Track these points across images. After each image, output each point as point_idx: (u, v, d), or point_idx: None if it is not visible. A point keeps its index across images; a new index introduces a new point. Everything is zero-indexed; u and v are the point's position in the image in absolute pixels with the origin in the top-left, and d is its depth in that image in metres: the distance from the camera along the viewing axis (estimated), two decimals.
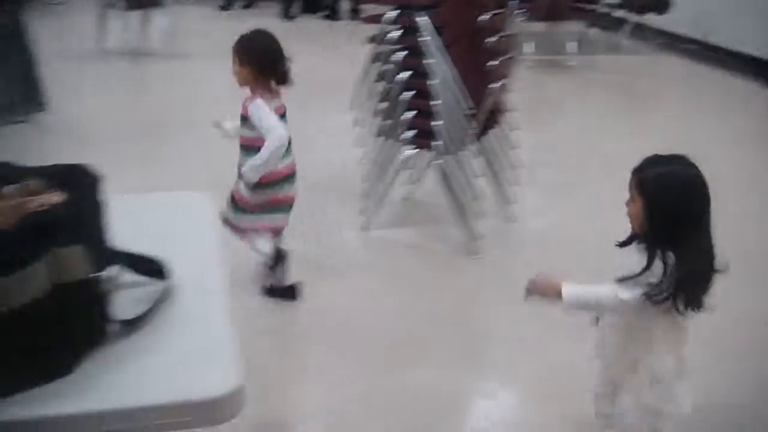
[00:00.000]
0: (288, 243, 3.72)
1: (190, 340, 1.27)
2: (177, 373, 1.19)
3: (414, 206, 4.34)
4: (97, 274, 1.19)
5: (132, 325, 1.27)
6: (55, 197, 1.20)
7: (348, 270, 3.69)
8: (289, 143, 3.12)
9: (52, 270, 1.11)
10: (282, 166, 3.12)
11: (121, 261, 1.33)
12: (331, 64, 8.35)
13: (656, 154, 2.13)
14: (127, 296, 1.33)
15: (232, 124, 3.26)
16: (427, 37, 3.45)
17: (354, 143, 3.91)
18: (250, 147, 3.10)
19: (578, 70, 8.26)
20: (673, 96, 7.45)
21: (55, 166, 1.31)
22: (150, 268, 1.39)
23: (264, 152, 2.98)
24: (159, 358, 1.22)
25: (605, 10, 10.26)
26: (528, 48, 8.41)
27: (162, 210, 1.74)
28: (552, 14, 8.43)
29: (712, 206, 1.99)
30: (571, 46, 8.63)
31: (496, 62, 3.52)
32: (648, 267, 2.01)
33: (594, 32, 9.99)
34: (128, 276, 1.38)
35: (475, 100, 3.54)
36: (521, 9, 8.44)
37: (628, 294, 2.07)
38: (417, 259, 3.80)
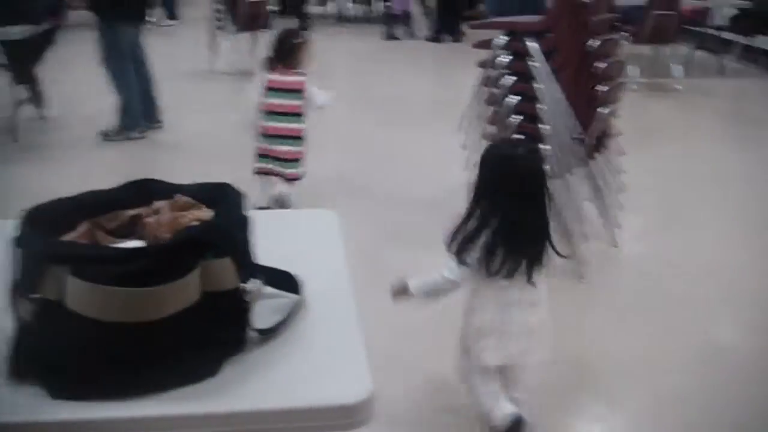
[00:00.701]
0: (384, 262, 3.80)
1: (322, 349, 1.34)
2: (311, 379, 1.25)
3: None
4: (241, 285, 1.28)
5: (269, 333, 1.34)
6: (205, 213, 1.30)
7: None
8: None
9: (203, 280, 1.20)
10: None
11: (260, 274, 1.41)
12: (438, 86, 8.47)
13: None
14: (264, 307, 1.41)
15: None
16: (536, 62, 3.50)
17: (462, 166, 3.96)
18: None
19: (684, 93, 8.14)
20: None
21: (201, 184, 1.40)
22: (284, 281, 1.47)
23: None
24: (294, 365, 1.29)
25: (712, 32, 10.09)
26: (633, 71, 8.32)
27: (294, 226, 1.83)
28: (657, 37, 8.34)
29: None
30: (677, 69, 8.52)
31: (604, 87, 3.53)
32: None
33: (701, 55, 9.83)
34: (265, 288, 1.47)
35: (583, 124, 3.56)
36: (626, 31, 8.40)
37: (448, 272, 2.46)
38: None
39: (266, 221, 1.79)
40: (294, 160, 4.28)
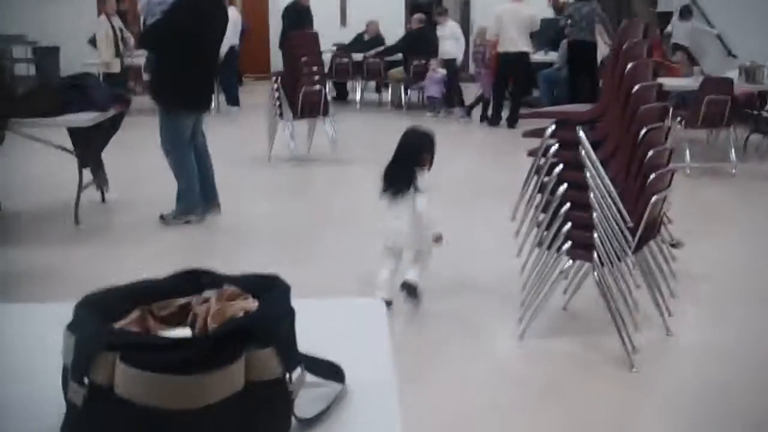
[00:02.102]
0: (441, 349, 3.80)
1: None
2: None
3: (571, 316, 4.35)
4: (285, 375, 1.31)
5: (311, 423, 1.37)
6: (252, 304, 1.34)
7: (502, 378, 3.72)
8: None
9: (247, 369, 1.23)
10: None
11: (304, 363, 1.44)
12: (492, 169, 8.54)
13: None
14: (307, 395, 1.44)
15: None
16: (585, 151, 3.53)
17: (515, 252, 3.98)
18: None
19: (739, 178, 8.08)
20: None
21: (250, 275, 1.45)
22: (328, 370, 1.50)
23: None
24: None
25: (767, 115, 10.04)
26: (687, 155, 8.30)
27: (339, 314, 1.86)
28: (711, 120, 8.33)
29: None
30: (732, 153, 8.46)
31: (655, 175, 3.55)
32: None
33: (756, 138, 9.77)
34: (309, 377, 1.49)
35: (634, 212, 3.57)
36: (680, 116, 8.42)
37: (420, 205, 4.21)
38: (572, 370, 3.78)
39: (313, 309, 1.83)
40: None
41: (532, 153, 3.77)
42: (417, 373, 3.69)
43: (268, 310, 1.31)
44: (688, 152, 8.32)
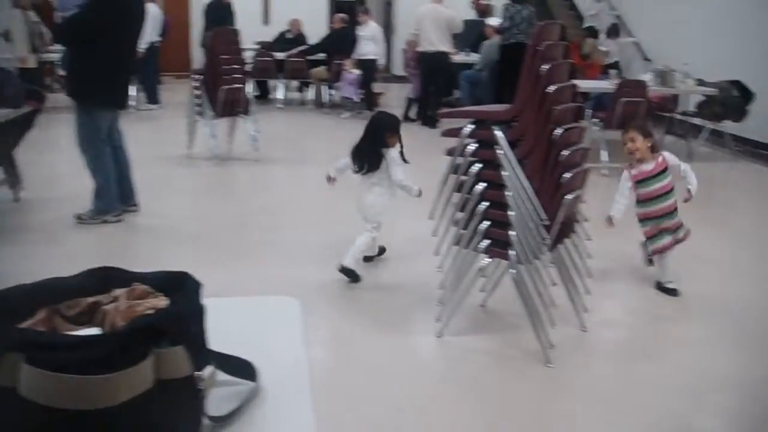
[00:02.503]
0: (361, 347, 3.83)
1: None
2: None
3: (489, 314, 4.41)
4: (196, 373, 1.30)
5: (223, 421, 1.36)
6: (161, 301, 1.32)
7: (419, 374, 3.75)
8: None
9: (157, 368, 1.22)
10: None
11: (215, 361, 1.43)
12: (411, 169, 8.58)
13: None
14: (220, 394, 1.43)
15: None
16: (503, 150, 3.58)
17: (432, 251, 4.02)
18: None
19: None
20: (753, 204, 7.41)
21: (160, 272, 1.43)
22: (240, 368, 1.49)
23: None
24: None
25: (681, 117, 10.34)
26: (605, 156, 8.48)
27: (251, 313, 1.85)
28: (627, 122, 8.49)
29: None
30: None
31: (570, 174, 3.62)
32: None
33: (670, 140, 10.05)
34: (220, 375, 1.48)
35: (550, 210, 3.63)
36: (596, 118, 8.60)
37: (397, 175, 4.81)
38: (490, 366, 3.83)
39: (227, 308, 1.82)
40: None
41: (450, 152, 3.81)
42: (334, 371, 3.70)
43: (177, 308, 1.30)
44: (605, 153, 8.50)
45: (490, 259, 3.84)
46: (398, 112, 12.53)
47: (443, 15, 11.37)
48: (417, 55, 11.61)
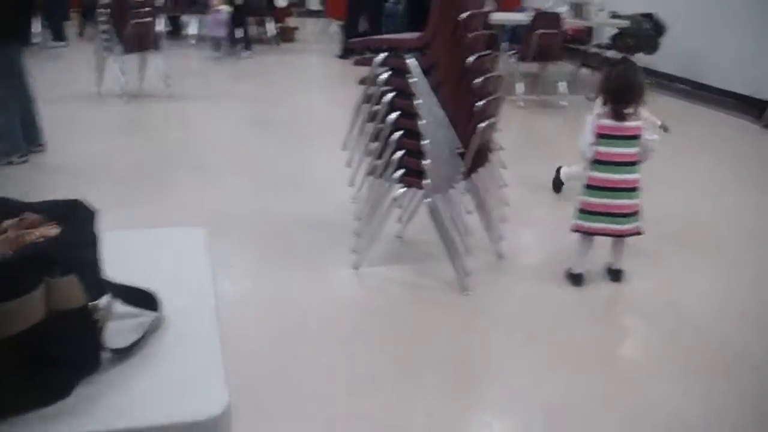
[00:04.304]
0: (278, 282, 3.81)
1: (179, 367, 1.32)
2: (167, 397, 1.23)
3: (406, 244, 4.41)
4: (91, 303, 1.25)
5: (124, 353, 1.31)
6: (52, 230, 1.27)
7: (337, 307, 3.74)
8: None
9: (47, 298, 1.17)
10: None
11: (114, 292, 1.39)
12: (326, 102, 8.51)
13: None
14: (120, 326, 1.38)
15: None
16: (416, 78, 3.54)
17: (346, 183, 3.98)
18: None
19: (569, 109, 8.38)
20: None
21: (52, 201, 1.37)
22: (141, 299, 1.44)
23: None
24: (149, 384, 1.26)
25: (595, 50, 10.44)
26: (520, 88, 8.52)
27: (156, 245, 1.80)
28: (542, 55, 8.57)
29: None
30: (562, 87, 8.76)
31: (483, 102, 3.60)
32: None
33: (584, 72, 10.15)
34: (121, 307, 1.44)
35: (464, 139, 3.62)
36: (512, 50, 8.62)
37: None
38: (408, 296, 3.85)
39: (129, 240, 1.77)
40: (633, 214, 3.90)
41: (362, 81, 3.75)
42: (247, 305, 3.66)
43: (68, 236, 1.24)
44: (521, 85, 8.55)
45: (405, 189, 3.83)
46: (315, 47, 12.43)
47: None
48: None
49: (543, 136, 7.60)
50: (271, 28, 12.62)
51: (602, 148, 3.81)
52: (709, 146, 7.29)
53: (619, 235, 3.94)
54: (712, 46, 9.46)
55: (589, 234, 3.96)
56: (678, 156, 6.20)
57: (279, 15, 12.93)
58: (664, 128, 4.63)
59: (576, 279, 4.01)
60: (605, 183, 3.83)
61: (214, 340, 1.41)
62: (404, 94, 3.60)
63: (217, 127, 7.24)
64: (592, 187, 3.87)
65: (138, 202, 4.93)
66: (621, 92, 3.79)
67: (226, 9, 11.09)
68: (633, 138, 3.80)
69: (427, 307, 3.74)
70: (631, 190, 3.84)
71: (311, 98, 9.10)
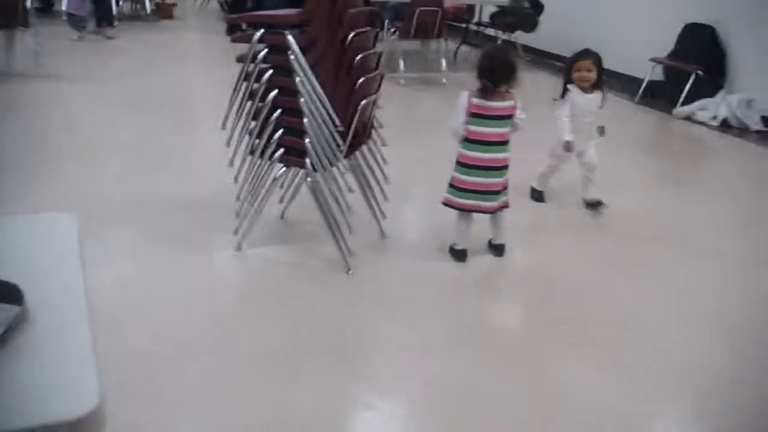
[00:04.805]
0: (158, 266, 3.71)
1: (45, 363, 1.25)
2: (34, 396, 1.17)
3: (289, 224, 4.36)
4: None
5: None
6: None
7: (220, 290, 3.66)
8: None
9: None
10: None
11: None
12: (206, 81, 8.33)
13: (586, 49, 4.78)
14: None
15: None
16: (294, 55, 3.48)
17: (226, 163, 3.90)
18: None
19: (450, 86, 8.46)
20: (543, 106, 7.69)
21: None
22: (4, 292, 1.36)
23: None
24: (15, 383, 1.20)
25: (475, 28, 10.58)
26: (401, 66, 8.55)
27: (20, 232, 1.71)
28: (423, 32, 8.61)
29: None
30: (443, 64, 8.82)
31: (363, 80, 3.57)
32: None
33: (465, 50, 10.28)
34: None
35: (344, 117, 3.59)
36: (393, 27, 8.63)
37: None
38: (290, 277, 3.80)
39: None
40: (502, 191, 4.00)
41: (240, 59, 3.67)
42: (124, 293, 3.55)
43: None
44: (402, 62, 8.57)
45: (286, 168, 3.77)
46: (195, 23, 12.16)
47: None
48: None
49: (424, 113, 7.65)
50: (147, 4, 12.27)
51: (473, 127, 3.84)
52: None
53: (488, 212, 4.01)
54: (589, 25, 9.71)
55: (458, 209, 4.00)
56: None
57: None
58: (601, 132, 4.83)
59: (458, 254, 4.04)
60: (476, 161, 3.87)
61: (83, 334, 1.34)
62: (284, 71, 3.54)
63: (91, 107, 6.99)
64: (462, 165, 3.91)
65: (2, 188, 4.71)
66: (493, 72, 3.82)
67: None
68: (505, 118, 3.85)
69: (311, 287, 3.70)
70: (501, 168, 3.91)
71: (191, 76, 8.90)
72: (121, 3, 12.44)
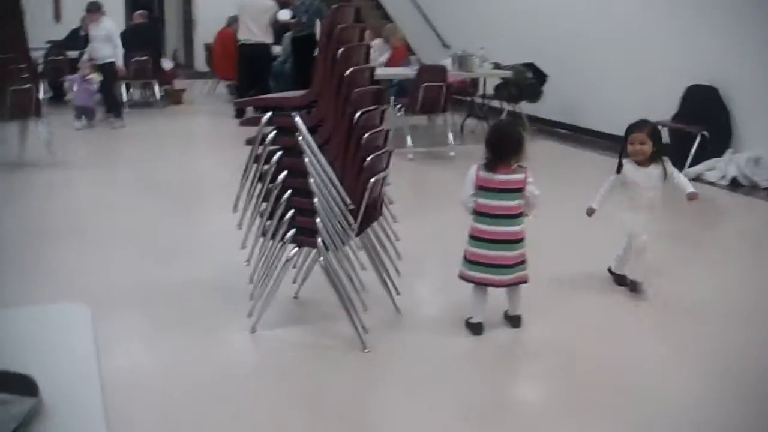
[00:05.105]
0: (172, 352, 3.69)
1: None
2: None
3: (302, 304, 4.34)
4: None
5: None
6: None
7: (236, 373, 3.64)
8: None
9: None
10: None
11: None
12: (215, 166, 8.41)
13: (642, 120, 4.55)
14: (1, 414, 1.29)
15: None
16: (302, 136, 3.52)
17: (238, 245, 3.90)
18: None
19: (458, 159, 8.50)
20: (550, 175, 7.72)
21: None
22: (17, 384, 1.36)
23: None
24: None
25: (480, 100, 10.70)
26: (409, 141, 8.62)
27: (34, 324, 1.70)
28: (429, 107, 8.70)
29: None
30: (450, 137, 8.89)
31: (372, 157, 3.60)
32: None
33: (471, 123, 10.37)
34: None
35: (355, 195, 3.60)
36: (399, 104, 8.73)
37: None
38: (306, 358, 3.78)
39: (4, 318, 1.67)
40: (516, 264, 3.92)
41: (250, 141, 3.71)
42: (143, 379, 3.53)
43: None
44: (409, 138, 8.63)
45: (298, 249, 3.78)
46: (204, 108, 12.33)
47: (263, 5, 11.24)
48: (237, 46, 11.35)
49: (433, 187, 7.69)
50: (157, 90, 12.45)
51: (481, 200, 3.86)
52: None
53: (500, 286, 3.97)
54: (592, 92, 9.82)
55: (473, 283, 3.97)
56: (568, 198, 6.35)
57: (165, 77, 12.79)
58: (692, 197, 4.46)
59: (475, 328, 4.00)
60: (485, 234, 3.87)
61: (99, 427, 1.33)
62: (292, 152, 3.57)
63: (103, 193, 7.07)
64: (473, 238, 3.91)
65: (20, 275, 4.73)
66: (498, 146, 3.87)
67: (96, 77, 10.41)
68: (514, 191, 3.85)
69: (327, 367, 3.68)
70: (513, 242, 3.87)
71: (201, 160, 9.01)
72: (131, 90, 12.63)
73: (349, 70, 3.56)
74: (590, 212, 4.52)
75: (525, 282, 3.98)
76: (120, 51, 10.94)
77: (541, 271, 4.06)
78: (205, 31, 15.07)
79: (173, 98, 12.75)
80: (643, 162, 4.41)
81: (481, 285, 3.96)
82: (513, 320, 4.10)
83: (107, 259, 5.13)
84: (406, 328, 4.12)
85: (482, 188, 3.86)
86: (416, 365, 3.74)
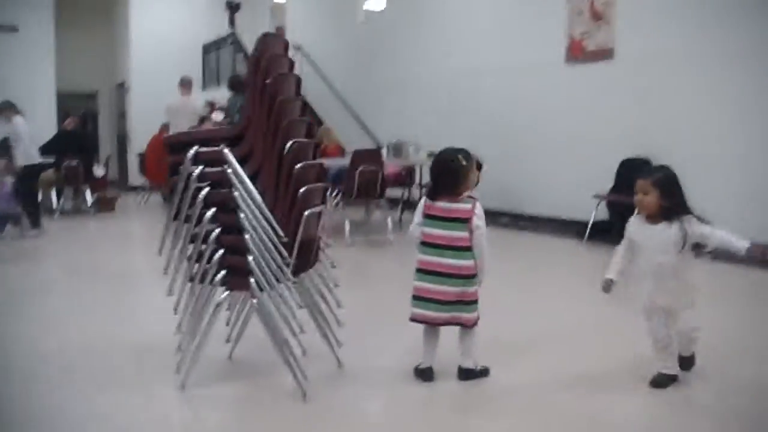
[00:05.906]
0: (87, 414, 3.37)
1: None
2: None
3: (238, 358, 4.04)
4: None
5: None
6: None
7: None
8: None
9: None
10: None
11: None
12: (145, 254, 8.10)
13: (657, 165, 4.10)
14: None
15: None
16: (232, 168, 3.32)
17: (166, 292, 3.61)
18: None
19: (395, 245, 8.36)
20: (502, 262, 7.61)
21: None
22: None
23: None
24: None
25: (419, 190, 10.62)
26: (347, 229, 8.47)
27: None
28: (365, 192, 8.53)
29: None
30: (389, 223, 8.74)
31: (305, 189, 3.40)
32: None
33: (408, 216, 10.24)
34: None
35: (288, 228, 3.38)
36: (335, 191, 8.57)
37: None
38: (244, 413, 3.49)
39: None
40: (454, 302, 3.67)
41: (171, 187, 3.48)
42: None
43: None
44: (347, 227, 8.45)
45: (229, 293, 3.52)
46: (137, 215, 12.02)
47: (193, 106, 11.69)
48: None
49: (374, 271, 7.49)
50: (89, 197, 12.10)
51: (426, 229, 3.72)
52: (543, 267, 7.38)
53: (436, 323, 3.72)
54: (526, 177, 9.81)
55: (416, 321, 3.73)
56: (518, 282, 6.23)
57: (97, 184, 12.49)
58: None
59: (423, 374, 3.74)
60: (428, 266, 3.70)
61: None
62: (221, 186, 3.35)
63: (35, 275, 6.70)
64: (418, 270, 3.75)
65: None
66: (436, 175, 3.80)
67: (9, 180, 9.41)
68: (458, 221, 3.69)
69: (266, 420, 3.38)
70: (456, 276, 3.65)
71: (133, 255, 8.69)
72: (62, 200, 12.17)
73: (279, 99, 3.40)
74: (607, 285, 3.74)
75: (464, 325, 3.71)
76: (34, 151, 10.11)
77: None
78: (139, 144, 15.01)
79: (105, 205, 12.44)
80: (652, 218, 3.65)
81: (422, 323, 3.74)
82: (460, 372, 3.81)
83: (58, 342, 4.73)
84: (349, 381, 3.82)
85: (427, 216, 3.72)
86: (362, 416, 3.45)
